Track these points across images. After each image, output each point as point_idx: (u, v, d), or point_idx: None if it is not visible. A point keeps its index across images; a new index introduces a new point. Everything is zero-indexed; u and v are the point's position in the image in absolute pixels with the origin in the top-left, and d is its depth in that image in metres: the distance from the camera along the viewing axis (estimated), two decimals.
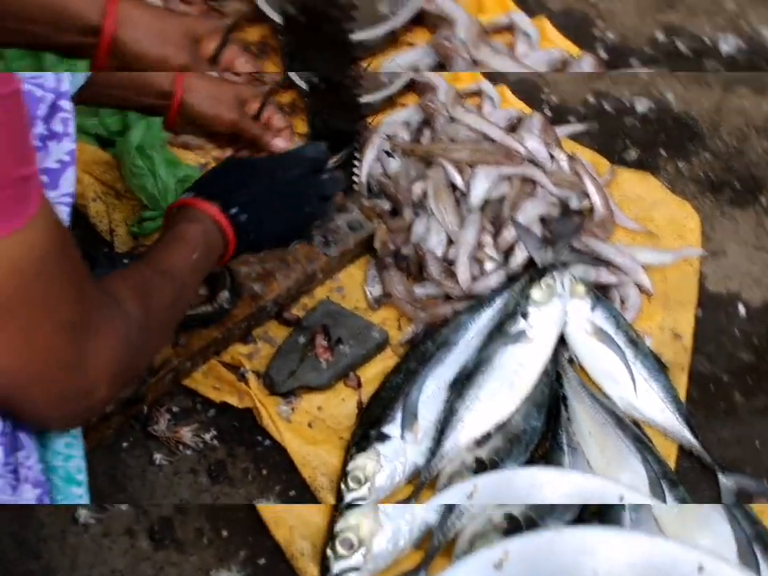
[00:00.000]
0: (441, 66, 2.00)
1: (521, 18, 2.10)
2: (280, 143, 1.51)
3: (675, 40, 2.16)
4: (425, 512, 1.52)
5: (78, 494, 1.14)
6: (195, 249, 1.30)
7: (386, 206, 1.92)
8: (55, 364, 0.96)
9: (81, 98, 1.13)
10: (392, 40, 2.06)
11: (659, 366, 1.74)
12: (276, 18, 1.94)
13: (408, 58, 2.03)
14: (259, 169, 1.47)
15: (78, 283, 0.98)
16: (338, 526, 1.49)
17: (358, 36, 1.89)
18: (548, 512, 1.50)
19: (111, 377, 1.01)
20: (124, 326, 1.04)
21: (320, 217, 1.60)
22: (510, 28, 2.11)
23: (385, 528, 1.49)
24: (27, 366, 0.95)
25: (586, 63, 2.01)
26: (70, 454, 1.13)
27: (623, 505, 1.50)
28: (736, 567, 1.24)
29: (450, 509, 1.52)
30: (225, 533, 1.55)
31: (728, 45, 2.16)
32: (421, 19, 2.07)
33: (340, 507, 1.54)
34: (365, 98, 1.91)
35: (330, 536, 1.49)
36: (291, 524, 1.54)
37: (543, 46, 2.17)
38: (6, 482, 1.00)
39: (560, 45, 2.19)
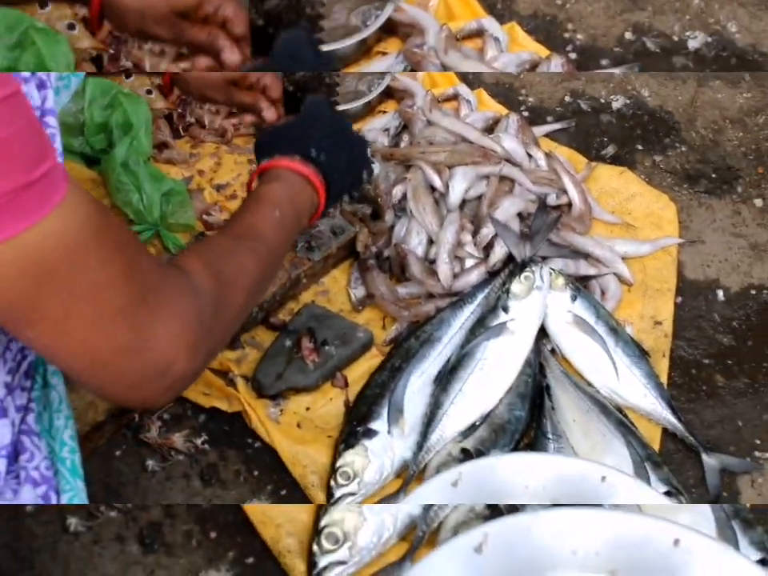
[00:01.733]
0: (404, 127, 2.06)
1: (490, 23, 2.13)
2: (233, 56, 1.35)
3: (644, 39, 2.18)
4: (402, 450, 1.60)
5: (83, 487, 1.14)
6: (276, 206, 1.24)
7: (366, 209, 1.92)
8: (115, 350, 0.93)
9: None
10: (365, 50, 2.10)
11: (640, 353, 1.75)
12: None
13: (381, 67, 2.06)
14: (313, 115, 1.39)
15: (126, 265, 0.93)
16: (323, 522, 1.50)
17: (331, 47, 1.93)
18: (492, 445, 1.61)
19: (187, 351, 0.97)
20: (194, 300, 1.00)
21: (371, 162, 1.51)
22: (479, 33, 2.14)
23: (369, 521, 1.50)
24: (87, 354, 0.92)
25: (556, 64, 2.03)
26: (74, 447, 1.14)
27: (548, 438, 1.59)
28: (709, 539, 1.23)
29: (419, 447, 1.59)
30: (213, 534, 1.57)
31: (696, 41, 2.18)
32: (392, 28, 2.10)
33: (332, 501, 1.55)
34: (345, 107, 1.96)
35: (316, 532, 1.50)
36: (278, 522, 1.54)
37: (513, 50, 2.19)
38: (8, 487, 1.02)
39: (530, 48, 2.22)
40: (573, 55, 2.19)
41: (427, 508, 1.52)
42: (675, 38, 2.18)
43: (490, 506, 1.50)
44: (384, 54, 2.11)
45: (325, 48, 1.56)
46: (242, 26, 1.37)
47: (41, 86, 0.99)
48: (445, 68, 1.98)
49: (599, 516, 1.28)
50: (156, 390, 0.98)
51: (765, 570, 1.20)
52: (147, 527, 1.56)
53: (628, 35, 2.19)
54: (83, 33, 1.72)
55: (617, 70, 2.14)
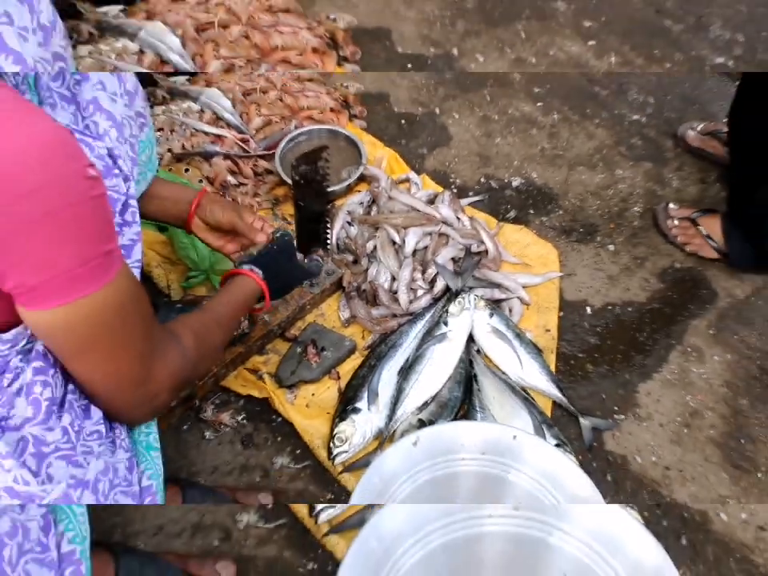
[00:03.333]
0: (373, 201, 2.08)
1: (413, 176, 2.17)
2: (260, 238, 1.45)
3: (490, 181, 2.22)
4: (378, 421, 1.61)
5: (155, 456, 1.15)
6: (239, 304, 1.31)
7: (349, 258, 1.93)
8: (130, 380, 0.95)
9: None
10: (349, 190, 2.14)
11: (537, 350, 1.76)
12: (288, 180, 2.03)
13: (357, 199, 2.09)
14: (282, 254, 1.46)
15: (148, 323, 0.96)
16: (335, 431, 1.58)
17: (332, 188, 2.00)
18: (439, 416, 1.61)
19: (170, 388, 1.01)
20: (180, 356, 1.03)
21: (307, 280, 1.75)
22: (407, 180, 2.17)
23: (357, 431, 1.58)
24: (111, 380, 0.94)
25: (446, 196, 2.06)
26: (148, 431, 1.16)
27: (476, 410, 1.60)
28: (530, 434, 1.33)
29: (390, 419, 1.60)
30: (279, 438, 1.63)
31: (516, 182, 2.23)
32: (363, 179, 2.15)
33: (331, 457, 1.56)
34: (332, 188, 1.97)
35: (331, 436, 1.58)
36: (311, 432, 1.62)
37: (426, 188, 2.19)
38: (108, 448, 1.02)
39: (432, 187, 2.21)
40: (455, 189, 2.21)
41: (386, 424, 1.60)
42: (506, 180, 2.23)
43: (421, 422, 1.58)
44: (359, 191, 2.14)
45: (329, 189, 1.78)
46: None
47: (125, 179, 1.04)
48: (390, 198, 2.05)
49: (477, 426, 1.36)
50: (146, 411, 1.02)
51: (558, 449, 1.30)
52: (245, 436, 1.63)
53: (482, 179, 2.23)
54: (207, 184, 1.96)
55: (476, 198, 2.18)
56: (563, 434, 1.62)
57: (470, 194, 2.22)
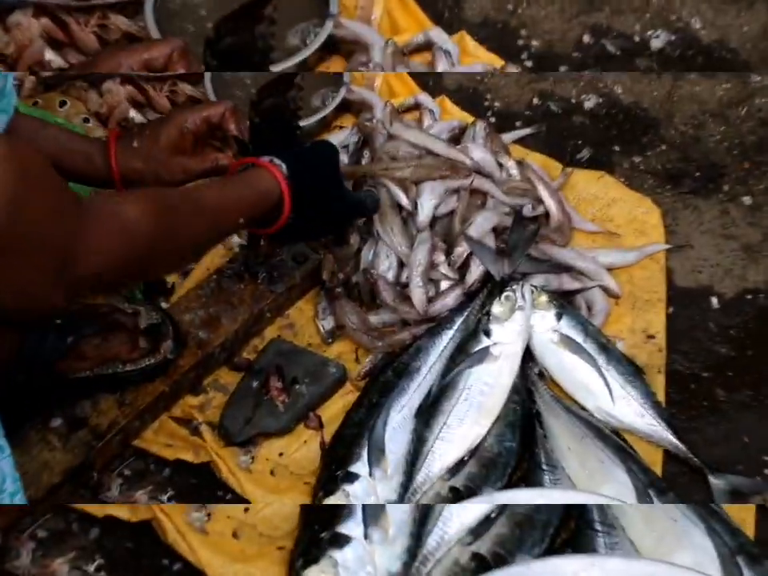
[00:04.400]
0: (364, 143, 2.08)
1: (438, 35, 2.16)
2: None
3: (603, 41, 2.19)
4: (387, 561, 1.45)
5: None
6: (237, 198, 1.46)
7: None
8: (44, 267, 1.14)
9: None
10: (325, 125, 2.16)
11: (634, 370, 1.75)
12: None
13: (338, 139, 2.09)
14: (321, 158, 1.64)
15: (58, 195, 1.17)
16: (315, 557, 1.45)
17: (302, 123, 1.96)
18: (517, 547, 1.47)
19: (101, 267, 1.20)
20: (119, 225, 1.23)
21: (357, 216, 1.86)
22: (428, 46, 2.18)
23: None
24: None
25: (480, 129, 2.05)
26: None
27: (596, 531, 1.48)
28: None
29: (412, 556, 1.48)
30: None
31: (659, 40, 2.19)
32: (347, 107, 2.17)
33: (296, 567, 1.47)
34: (302, 123, 1.94)
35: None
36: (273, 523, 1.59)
37: (465, 62, 2.21)
38: None
39: (483, 59, 2.23)
40: (529, 63, 2.20)
41: (408, 565, 1.46)
42: (637, 39, 2.19)
43: (454, 492, 1.52)
44: (341, 127, 2.15)
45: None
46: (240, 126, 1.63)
47: None
48: (391, 137, 2.03)
49: (598, 561, 1.26)
50: (62, 294, 1.19)
51: None
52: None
53: (586, 38, 2.20)
54: (96, 124, 1.96)
55: (526, 131, 2.19)
56: (681, 499, 1.57)
57: (518, 124, 2.20)
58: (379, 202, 1.85)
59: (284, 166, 1.53)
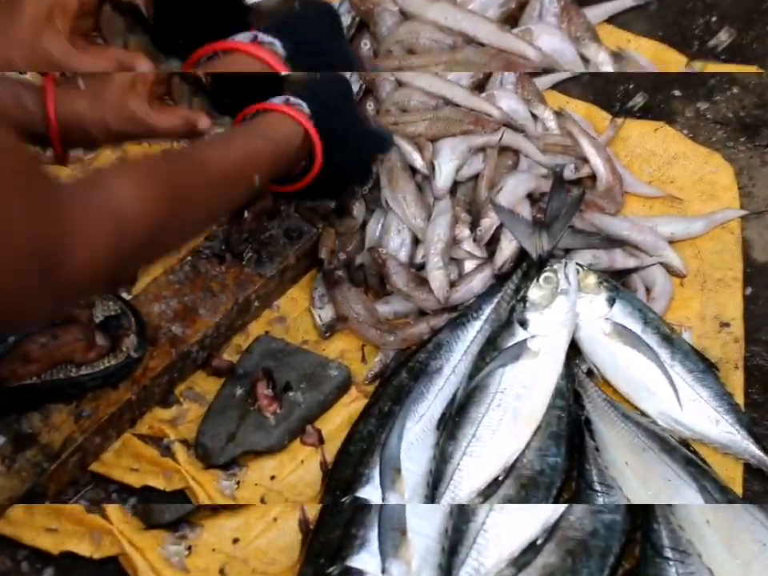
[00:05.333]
0: (362, 24, 2.03)
1: None
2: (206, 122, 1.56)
3: None
4: None
5: None
6: (253, 141, 1.44)
7: (329, 203, 1.91)
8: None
9: None
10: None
11: (705, 366, 1.74)
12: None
13: None
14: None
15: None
16: None
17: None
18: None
19: (93, 269, 1.14)
20: (106, 218, 1.15)
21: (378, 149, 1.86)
22: None
23: None
24: None
25: (509, 73, 2.00)
26: None
27: (666, 558, 1.48)
28: None
29: None
30: None
31: None
32: None
33: None
34: None
35: None
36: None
37: None
38: None
39: None
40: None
41: None
42: None
43: None
44: None
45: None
46: None
47: None
48: (404, 14, 1.97)
49: None
50: (48, 304, 1.15)
51: None
52: None
53: None
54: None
55: (565, 74, 2.12)
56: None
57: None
58: (392, 138, 1.86)
59: (305, 105, 1.53)
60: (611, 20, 2.13)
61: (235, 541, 1.61)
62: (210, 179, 1.38)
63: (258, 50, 1.45)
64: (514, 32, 1.98)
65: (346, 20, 2.02)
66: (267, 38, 1.47)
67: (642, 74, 2.12)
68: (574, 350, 1.76)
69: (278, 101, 1.53)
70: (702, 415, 1.70)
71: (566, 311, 1.74)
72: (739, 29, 2.12)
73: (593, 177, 1.97)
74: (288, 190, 1.64)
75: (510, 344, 1.71)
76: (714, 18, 2.13)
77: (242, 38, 1.46)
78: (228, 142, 1.48)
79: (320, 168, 1.58)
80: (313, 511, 1.62)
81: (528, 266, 1.82)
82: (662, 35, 2.11)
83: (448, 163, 1.91)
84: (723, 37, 2.11)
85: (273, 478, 1.67)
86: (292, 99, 1.52)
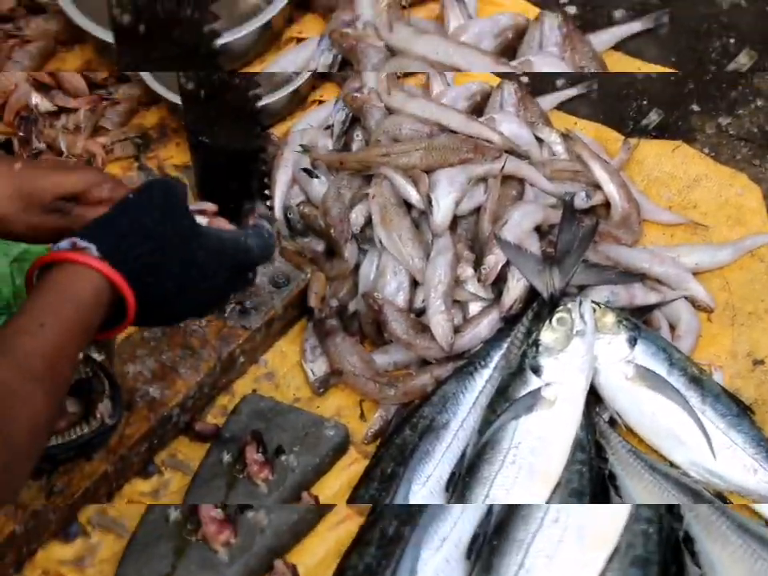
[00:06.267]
0: (355, 120, 2.10)
1: None
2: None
3: None
4: None
5: None
6: (60, 329, 1.30)
7: (317, 245, 1.93)
8: None
9: None
10: (299, 100, 2.20)
11: (739, 410, 1.75)
12: (172, 97, 2.10)
13: (317, 117, 2.14)
14: (154, 207, 1.45)
15: None
16: None
17: (263, 101, 1.98)
18: None
19: None
20: None
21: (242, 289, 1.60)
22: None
23: None
24: None
25: (510, 93, 2.09)
26: None
27: None
28: None
29: None
30: None
31: None
32: (326, 74, 2.22)
33: None
34: (264, 101, 1.95)
35: None
36: None
37: (486, 12, 2.28)
38: None
39: (508, 7, 2.28)
40: (572, 9, 2.28)
41: None
42: None
43: None
44: (320, 102, 2.20)
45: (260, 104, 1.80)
46: None
47: None
48: (390, 111, 2.09)
49: None
50: None
51: None
52: None
53: None
54: None
55: (571, 92, 2.22)
56: None
57: (559, 83, 2.22)
58: (273, 239, 1.56)
59: (93, 247, 1.35)
60: (560, 106, 2.18)
61: None
62: (35, 376, 1.23)
63: (75, 256, 1.33)
64: (480, 120, 2.01)
65: (339, 116, 2.10)
66: (82, 243, 1.33)
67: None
68: (594, 398, 1.76)
69: (64, 244, 1.35)
70: (737, 464, 1.70)
71: (583, 354, 1.73)
72: (665, 110, 2.17)
73: (606, 205, 1.97)
74: (104, 338, 1.44)
75: (522, 393, 1.71)
76: (645, 102, 2.17)
77: (63, 244, 1.33)
78: (33, 321, 1.30)
79: (134, 314, 1.37)
80: None
81: (539, 307, 1.81)
82: (602, 118, 2.14)
83: (446, 196, 1.90)
84: (654, 117, 2.16)
85: None
86: (80, 242, 1.34)
